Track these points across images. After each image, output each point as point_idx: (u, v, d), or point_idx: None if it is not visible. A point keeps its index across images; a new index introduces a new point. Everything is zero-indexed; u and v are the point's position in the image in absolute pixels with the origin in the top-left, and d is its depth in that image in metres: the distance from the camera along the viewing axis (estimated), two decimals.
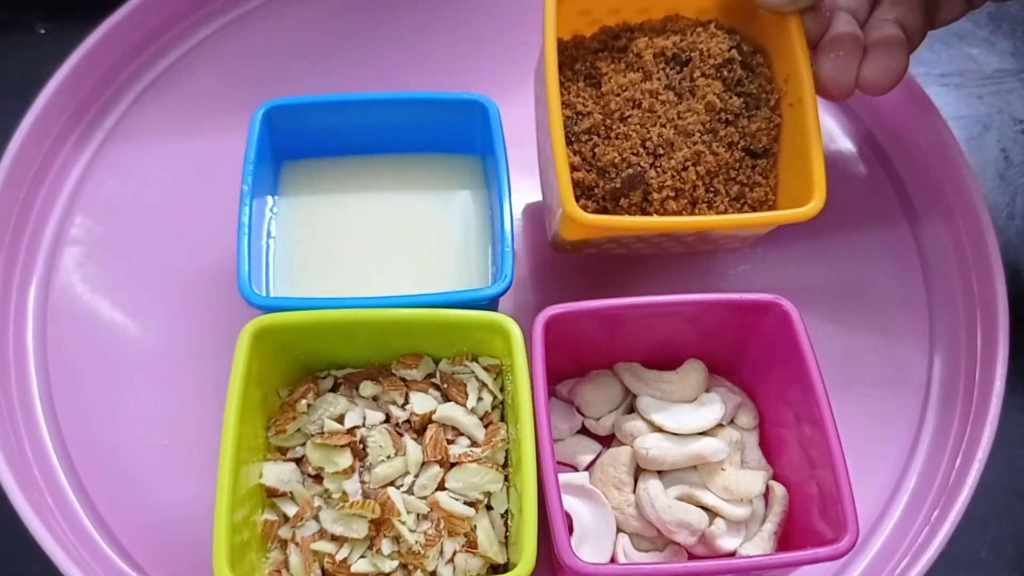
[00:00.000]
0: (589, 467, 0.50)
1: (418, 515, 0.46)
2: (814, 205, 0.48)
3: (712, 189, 0.49)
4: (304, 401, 0.47)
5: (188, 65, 0.63)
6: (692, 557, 0.48)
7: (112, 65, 0.61)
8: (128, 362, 0.54)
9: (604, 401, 0.51)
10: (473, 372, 0.49)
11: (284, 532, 0.46)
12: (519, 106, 0.55)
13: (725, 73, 0.50)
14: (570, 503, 0.47)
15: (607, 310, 0.47)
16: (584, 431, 0.51)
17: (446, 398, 0.48)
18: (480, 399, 0.48)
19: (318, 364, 0.50)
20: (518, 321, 0.46)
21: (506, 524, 0.47)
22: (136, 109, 0.61)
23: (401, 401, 0.48)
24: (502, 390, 0.49)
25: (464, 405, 0.48)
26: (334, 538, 0.45)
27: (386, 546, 0.45)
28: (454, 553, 0.45)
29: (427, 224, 0.54)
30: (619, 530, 0.48)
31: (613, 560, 0.47)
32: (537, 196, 0.57)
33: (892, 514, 0.52)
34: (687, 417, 0.49)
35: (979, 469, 0.50)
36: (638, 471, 0.49)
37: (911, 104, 0.60)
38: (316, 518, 0.46)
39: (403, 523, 0.45)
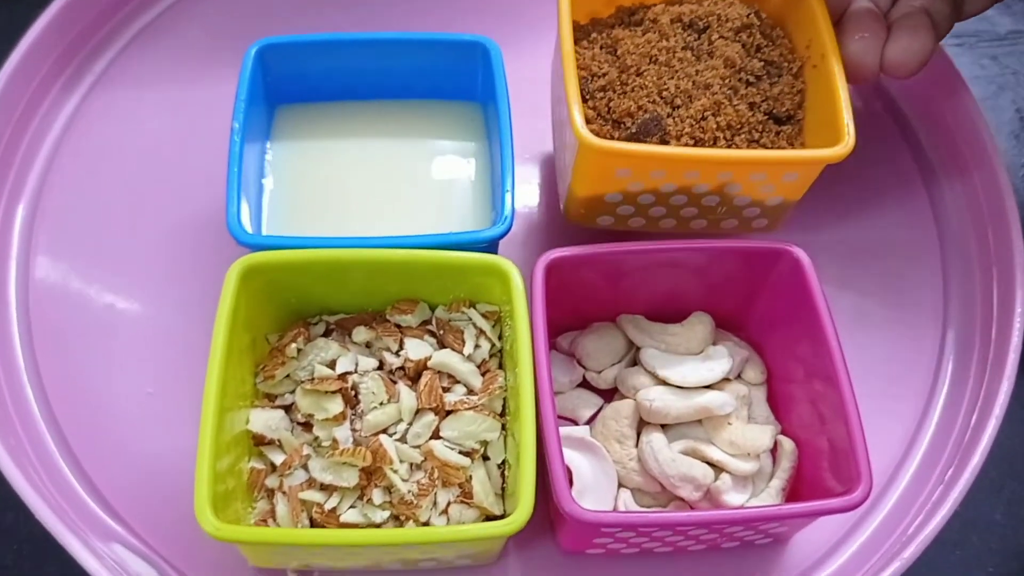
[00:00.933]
0: (590, 421, 0.48)
1: (411, 464, 0.44)
2: (844, 145, 0.46)
3: (734, 146, 0.47)
4: (294, 346, 0.45)
5: (183, 10, 0.61)
6: None
7: (104, 7, 0.59)
8: (113, 309, 0.52)
9: (606, 353, 0.49)
10: (470, 319, 0.47)
11: (271, 481, 0.44)
12: (524, 52, 0.53)
13: (744, 37, 0.49)
14: (570, 456, 0.45)
15: (611, 255, 0.46)
16: (585, 384, 0.50)
17: (442, 345, 0.47)
18: (478, 346, 0.46)
19: (310, 309, 0.48)
20: (519, 268, 0.44)
21: (503, 475, 0.45)
22: (128, 54, 0.59)
23: (395, 348, 0.46)
24: (500, 338, 0.47)
25: (461, 352, 0.46)
26: (323, 487, 0.43)
27: (377, 496, 0.43)
28: (448, 504, 0.43)
29: (426, 172, 0.52)
30: (620, 485, 0.46)
31: None
32: (541, 150, 0.55)
33: (905, 472, 0.50)
34: (692, 370, 0.47)
35: (995, 427, 0.48)
36: (641, 425, 0.47)
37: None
38: (305, 467, 0.44)
39: (395, 472, 0.43)
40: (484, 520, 0.44)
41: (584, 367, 0.49)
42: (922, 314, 0.54)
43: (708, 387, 0.47)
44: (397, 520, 0.43)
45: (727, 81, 0.48)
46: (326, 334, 0.47)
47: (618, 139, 0.47)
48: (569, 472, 0.45)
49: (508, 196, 0.47)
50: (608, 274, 0.47)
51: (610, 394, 0.49)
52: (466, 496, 0.43)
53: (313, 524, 0.43)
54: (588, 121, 0.47)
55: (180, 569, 0.46)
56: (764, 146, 0.48)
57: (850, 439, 0.41)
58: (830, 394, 0.43)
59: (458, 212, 0.51)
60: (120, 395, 0.50)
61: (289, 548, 0.42)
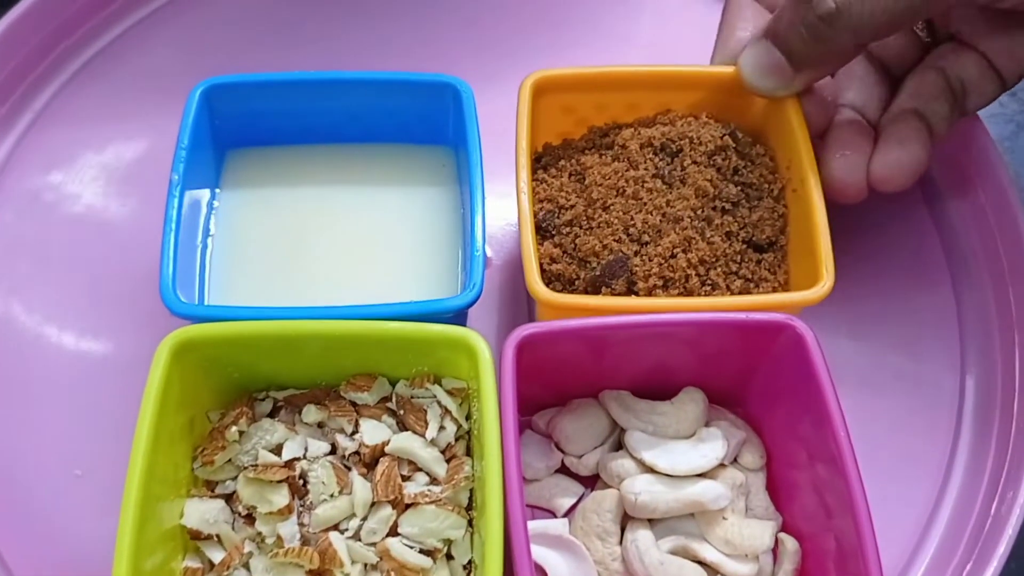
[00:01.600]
0: (569, 513, 0.43)
1: (365, 565, 0.39)
2: (823, 285, 0.42)
3: (709, 282, 0.44)
4: (235, 428, 0.40)
5: (128, 44, 0.56)
6: None
7: (38, 44, 0.54)
8: (40, 377, 0.47)
9: (587, 436, 0.44)
10: (435, 396, 0.42)
11: None
12: (497, 94, 0.48)
13: (719, 160, 0.46)
14: (545, 556, 0.41)
15: (592, 330, 0.41)
16: (564, 470, 0.45)
17: (403, 426, 0.42)
18: (442, 428, 0.41)
19: (255, 383, 0.43)
20: (487, 340, 0.40)
21: None
22: (67, 92, 0.55)
23: (350, 429, 0.41)
24: (468, 418, 0.42)
25: (423, 435, 0.41)
26: None
27: None
28: None
29: (390, 224, 0.48)
30: None
31: None
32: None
33: (916, 570, 0.45)
34: (683, 456, 0.42)
35: (1020, 516, 0.43)
36: (625, 519, 0.42)
37: None
38: (246, 566, 0.39)
39: (346, 575, 0.38)
40: None
41: (563, 451, 0.44)
42: (937, 377, 0.49)
43: (701, 475, 0.42)
44: None
45: (699, 212, 0.45)
46: (273, 412, 0.42)
47: (584, 279, 0.44)
48: (543, 574, 0.40)
49: (478, 259, 0.42)
50: (589, 348, 0.42)
51: (592, 481, 0.44)
52: None
53: None
54: (554, 259, 0.45)
55: None
56: (743, 277, 0.44)
57: (860, 540, 0.37)
58: (837, 484, 0.38)
59: (425, 273, 0.46)
60: (45, 476, 0.45)
61: None
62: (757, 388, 0.44)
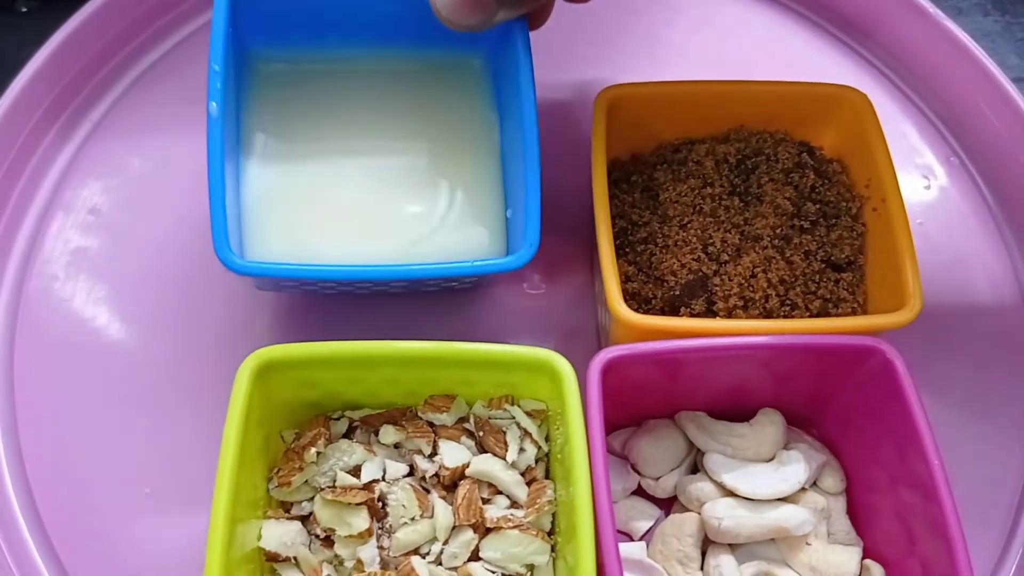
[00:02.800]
0: (646, 536, 0.43)
1: None
2: (911, 308, 0.41)
3: (788, 302, 0.43)
4: (313, 449, 0.40)
5: (182, 54, 0.55)
6: None
7: (99, 50, 0.53)
8: (106, 392, 0.46)
9: (665, 458, 0.43)
10: (514, 418, 0.41)
11: None
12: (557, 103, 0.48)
13: (796, 178, 0.46)
14: None
15: (678, 352, 0.40)
16: (640, 492, 0.44)
17: (481, 448, 0.41)
18: (522, 450, 0.41)
19: (331, 404, 0.42)
20: (569, 361, 0.39)
21: None
22: (126, 101, 0.54)
23: (428, 451, 0.41)
24: (547, 440, 0.41)
25: (503, 457, 0.40)
26: None
27: None
28: None
29: (428, 173, 0.46)
30: None
31: None
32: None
33: None
34: (764, 479, 0.41)
35: None
36: (706, 543, 0.41)
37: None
38: None
39: None
40: None
41: (639, 473, 0.44)
42: (1011, 398, 0.49)
43: (782, 499, 0.41)
44: None
45: (778, 231, 0.44)
46: (349, 433, 0.42)
47: (661, 298, 0.44)
48: None
49: (535, 220, 0.41)
50: (667, 369, 0.42)
51: (669, 503, 0.44)
52: None
53: None
54: (628, 278, 0.44)
55: None
56: (822, 297, 0.44)
57: (953, 563, 0.36)
58: (925, 508, 0.38)
59: (463, 226, 0.45)
60: (114, 494, 0.44)
61: None
62: (837, 411, 0.44)
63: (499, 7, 0.40)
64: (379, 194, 0.45)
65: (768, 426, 0.43)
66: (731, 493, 0.41)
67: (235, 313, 0.48)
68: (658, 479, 0.43)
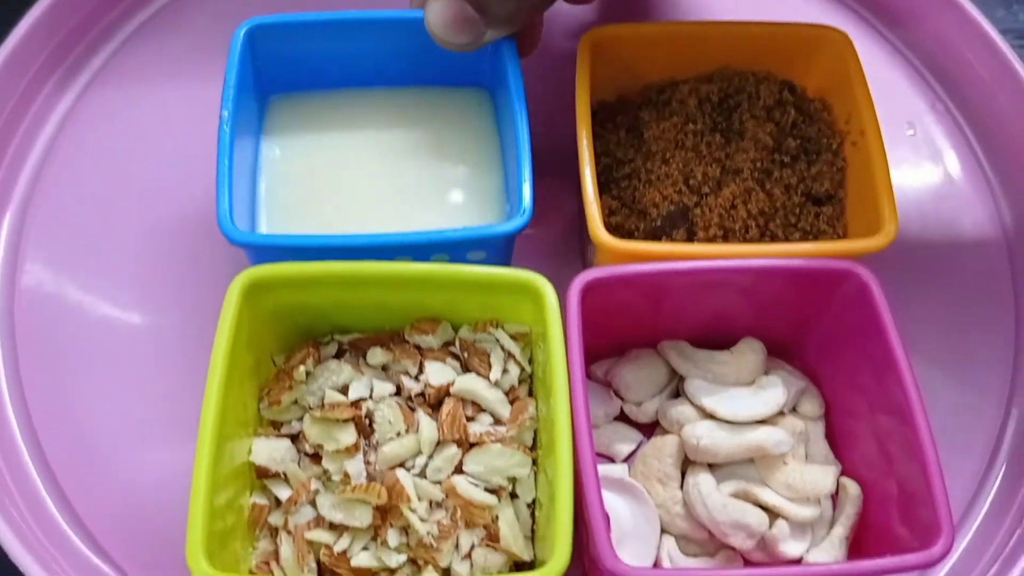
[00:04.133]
0: (628, 459, 0.44)
1: (431, 502, 0.39)
2: (886, 233, 0.42)
3: (768, 233, 0.45)
4: (302, 368, 0.41)
5: (187, 2, 0.56)
6: (748, 564, 0.41)
7: (96, 7, 0.55)
8: (104, 322, 0.48)
9: (646, 384, 0.44)
10: (498, 340, 0.42)
11: (275, 519, 0.40)
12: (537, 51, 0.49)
13: (777, 115, 0.47)
14: (607, 499, 0.41)
15: (655, 276, 0.41)
16: (623, 418, 0.45)
17: (466, 369, 0.42)
18: (506, 371, 0.42)
19: (320, 328, 0.43)
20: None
21: (532, 516, 0.40)
22: (127, 49, 0.55)
23: (415, 371, 0.42)
24: (531, 362, 0.42)
25: (487, 377, 0.41)
26: (332, 527, 0.39)
27: (392, 537, 0.39)
28: (472, 547, 0.39)
29: (432, 166, 0.48)
30: (663, 531, 0.41)
31: (657, 566, 0.40)
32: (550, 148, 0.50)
33: (975, 517, 0.45)
34: (743, 402, 0.42)
35: None
36: (686, 464, 0.42)
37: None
38: (312, 503, 0.39)
39: (413, 511, 0.39)
40: (512, 566, 0.39)
41: (622, 398, 0.45)
42: (992, 326, 0.50)
43: (761, 422, 0.42)
44: (415, 564, 0.39)
45: (759, 164, 0.45)
46: (338, 355, 0.43)
47: (643, 231, 0.45)
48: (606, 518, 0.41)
49: (526, 186, 0.42)
50: (648, 295, 0.43)
51: (650, 428, 0.45)
52: (492, 539, 0.39)
53: (321, 568, 0.38)
54: (612, 212, 0.45)
55: None
56: (802, 230, 0.45)
57: (927, 483, 0.37)
58: (902, 431, 0.39)
59: (467, 209, 0.47)
60: (110, 418, 0.46)
61: None
62: (815, 338, 0.45)
63: (487, 27, 0.42)
64: (384, 181, 0.48)
65: (749, 353, 0.44)
66: (711, 416, 0.42)
67: (232, 254, 0.49)
68: (640, 404, 0.44)
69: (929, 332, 0.49)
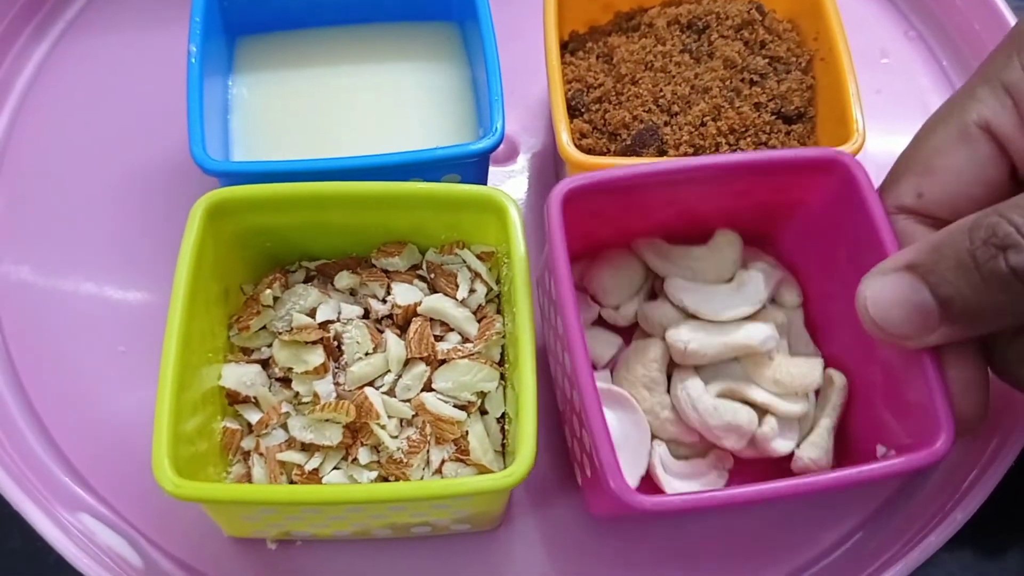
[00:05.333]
0: (609, 365, 0.43)
1: (401, 420, 0.40)
2: (853, 143, 0.42)
3: (739, 151, 0.44)
4: (269, 292, 0.41)
5: None
6: (738, 462, 0.41)
7: None
8: (80, 262, 0.48)
9: (624, 286, 0.43)
10: (464, 261, 0.42)
11: (247, 442, 0.40)
12: None
13: (746, 34, 0.47)
14: None
15: (636, 178, 0.39)
16: (600, 323, 0.44)
17: (433, 290, 0.42)
18: (472, 291, 0.42)
19: (288, 255, 0.43)
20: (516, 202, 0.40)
21: (503, 430, 0.40)
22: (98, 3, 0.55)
23: (382, 294, 0.42)
24: (498, 282, 0.43)
25: (454, 297, 0.41)
26: (304, 447, 0.39)
27: (364, 455, 0.39)
28: (442, 462, 0.39)
29: (403, 99, 0.48)
30: (653, 437, 0.41)
31: (649, 473, 0.40)
32: (521, 82, 0.51)
33: None
34: (725, 300, 0.41)
35: None
36: (671, 367, 0.42)
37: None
38: (284, 426, 0.40)
39: (383, 428, 0.39)
40: None
41: (599, 303, 0.44)
42: None
43: (745, 318, 0.41)
44: (386, 481, 0.39)
45: (728, 83, 0.45)
46: (306, 281, 0.43)
47: (614, 151, 0.44)
48: None
49: (497, 106, 0.42)
50: (624, 198, 0.41)
51: (629, 331, 0.44)
52: (462, 453, 0.39)
53: None
54: (583, 135, 0.45)
55: (153, 540, 0.43)
56: (773, 147, 0.45)
57: (921, 371, 0.35)
58: None
59: (440, 140, 0.47)
60: (89, 353, 0.46)
61: (262, 512, 0.37)
62: (793, 227, 0.44)
63: (940, 326, 0.34)
64: (356, 116, 0.48)
65: (726, 247, 0.43)
66: (693, 316, 0.41)
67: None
68: (618, 308, 0.43)
69: None
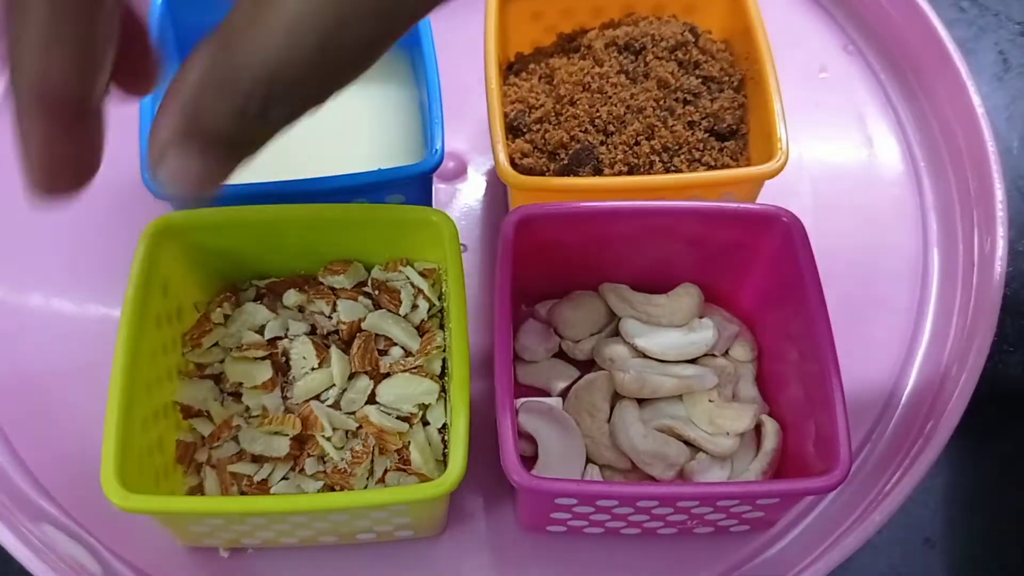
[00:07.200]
0: (563, 393, 0.45)
1: (346, 432, 0.42)
2: (777, 161, 0.44)
3: (673, 168, 0.46)
4: (220, 311, 0.43)
5: None
6: None
7: None
8: (45, 279, 0.50)
9: (585, 323, 0.46)
10: (408, 277, 0.44)
11: (201, 455, 0.42)
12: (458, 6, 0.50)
13: (680, 55, 0.49)
14: (536, 427, 0.43)
15: (586, 212, 0.42)
16: (562, 356, 0.47)
17: (377, 306, 0.44)
18: (415, 306, 0.44)
19: (240, 275, 0.45)
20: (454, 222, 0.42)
21: (444, 441, 0.42)
22: None
23: (328, 311, 0.44)
24: (440, 297, 0.44)
25: (397, 312, 0.43)
26: (254, 459, 0.41)
27: (310, 466, 0.41)
28: (385, 472, 0.41)
29: (353, 120, 0.50)
30: (589, 460, 0.43)
31: None
32: (470, 107, 0.53)
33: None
34: (673, 342, 0.44)
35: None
36: (616, 398, 0.44)
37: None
38: (235, 439, 0.42)
39: (328, 439, 0.41)
40: None
41: (561, 336, 0.46)
42: (902, 264, 0.52)
43: (691, 362, 0.44)
44: (332, 490, 0.41)
45: (661, 103, 0.47)
46: (256, 299, 0.45)
47: (553, 171, 0.46)
48: (535, 445, 0.43)
49: (437, 128, 0.44)
50: (589, 238, 0.44)
51: (587, 366, 0.46)
52: (404, 463, 0.41)
53: None
54: (525, 155, 0.47)
55: (113, 550, 0.44)
56: (707, 164, 0.47)
57: (831, 423, 0.38)
58: (814, 370, 0.40)
59: (390, 158, 0.48)
60: (51, 366, 0.48)
61: (212, 521, 0.39)
62: (752, 286, 0.46)
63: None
64: (305, 138, 0.48)
65: (684, 296, 0.45)
66: (642, 354, 0.44)
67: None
68: (578, 342, 0.46)
69: (839, 268, 0.50)
